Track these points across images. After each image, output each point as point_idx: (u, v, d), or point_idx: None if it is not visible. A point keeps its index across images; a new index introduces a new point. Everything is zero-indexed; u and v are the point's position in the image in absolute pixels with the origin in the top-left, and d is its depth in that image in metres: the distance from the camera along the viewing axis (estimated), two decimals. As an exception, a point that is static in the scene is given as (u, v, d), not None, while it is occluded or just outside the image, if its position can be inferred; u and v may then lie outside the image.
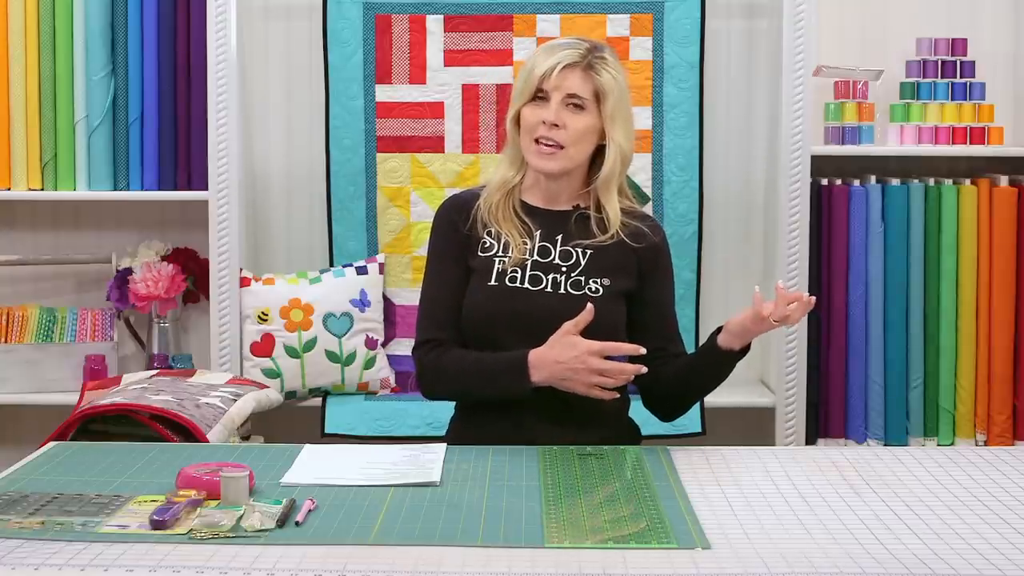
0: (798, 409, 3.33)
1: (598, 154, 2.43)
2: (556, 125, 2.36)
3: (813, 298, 2.24)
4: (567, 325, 2.27)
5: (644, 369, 2.26)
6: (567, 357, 2.26)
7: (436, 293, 2.46)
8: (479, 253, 2.43)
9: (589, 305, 2.27)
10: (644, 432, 2.58)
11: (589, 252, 2.41)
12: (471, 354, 2.40)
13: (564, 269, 2.40)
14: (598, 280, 2.39)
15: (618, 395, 2.29)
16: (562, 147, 2.37)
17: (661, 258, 2.47)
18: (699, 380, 2.44)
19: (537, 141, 2.38)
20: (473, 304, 2.40)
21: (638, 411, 2.54)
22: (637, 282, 2.43)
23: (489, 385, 2.36)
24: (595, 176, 2.43)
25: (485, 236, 2.43)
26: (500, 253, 2.41)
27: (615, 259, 2.41)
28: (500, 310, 2.37)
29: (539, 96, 2.39)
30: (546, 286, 2.39)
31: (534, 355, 2.30)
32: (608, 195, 2.43)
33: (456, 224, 2.46)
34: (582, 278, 2.39)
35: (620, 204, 2.45)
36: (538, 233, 2.43)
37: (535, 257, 2.41)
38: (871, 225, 3.34)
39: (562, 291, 2.38)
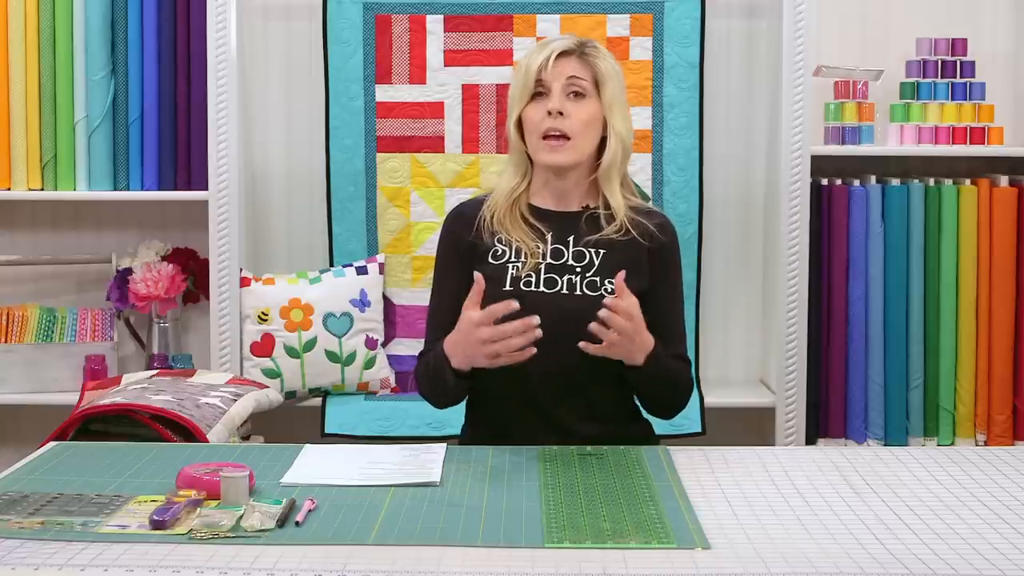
0: (798, 409, 3.33)
1: (601, 149, 2.43)
2: (561, 113, 2.35)
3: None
4: (466, 303, 2.21)
5: (535, 319, 2.14)
6: (460, 336, 2.22)
7: (437, 304, 2.47)
8: (490, 260, 2.40)
9: (510, 302, 2.17)
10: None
11: (603, 252, 2.40)
12: (429, 358, 2.38)
13: (579, 270, 2.39)
14: (613, 280, 2.37)
15: (535, 350, 2.17)
16: (569, 138, 2.36)
17: (666, 256, 2.44)
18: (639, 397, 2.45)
19: (544, 137, 2.37)
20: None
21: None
22: (648, 282, 2.42)
23: (436, 383, 2.34)
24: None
25: (495, 244, 2.41)
26: (513, 259, 2.40)
27: (628, 259, 2.39)
28: (517, 315, 2.35)
29: (539, 92, 2.38)
30: (562, 288, 2.37)
31: (445, 342, 2.27)
32: (610, 186, 2.42)
33: (459, 235, 2.45)
34: (597, 278, 2.37)
35: (628, 201, 2.45)
36: (550, 235, 2.42)
37: (548, 260, 2.40)
38: (871, 225, 3.34)
39: (578, 292, 2.37)
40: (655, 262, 2.42)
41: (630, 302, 2.18)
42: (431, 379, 2.37)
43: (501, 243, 2.42)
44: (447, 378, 2.28)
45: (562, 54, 2.38)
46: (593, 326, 2.17)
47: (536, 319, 2.14)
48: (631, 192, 2.48)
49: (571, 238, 2.41)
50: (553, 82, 2.37)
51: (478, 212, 2.45)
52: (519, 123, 2.41)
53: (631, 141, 2.45)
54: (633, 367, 2.27)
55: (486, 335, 2.16)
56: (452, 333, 2.25)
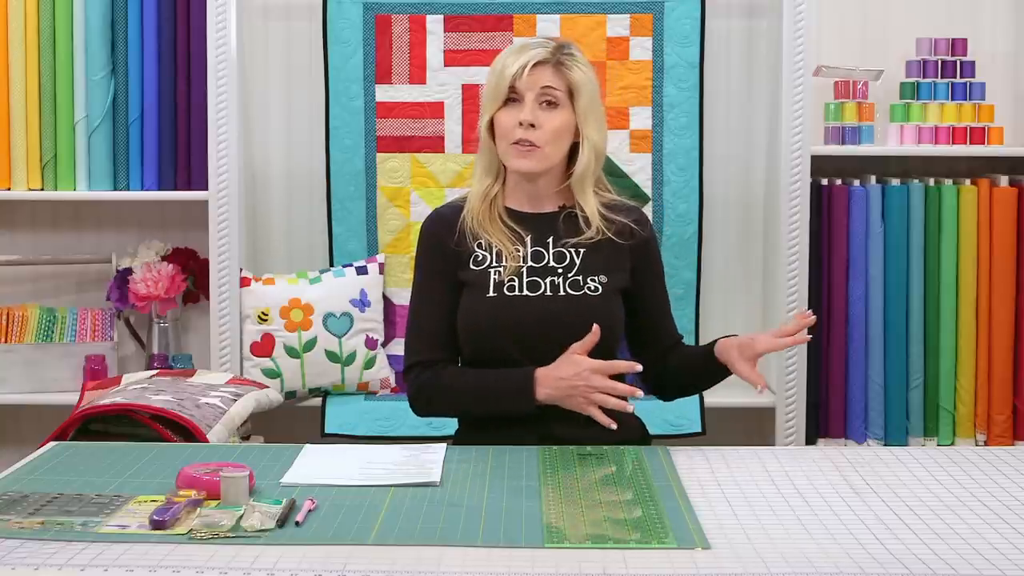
0: (798, 409, 3.33)
1: (573, 151, 2.43)
2: (532, 125, 2.35)
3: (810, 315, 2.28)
4: (574, 346, 2.27)
5: (639, 393, 2.27)
6: (569, 374, 2.26)
7: (426, 312, 2.44)
8: (471, 266, 2.40)
9: (596, 327, 2.26)
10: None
11: (582, 251, 2.41)
12: (470, 372, 2.40)
13: (560, 271, 2.39)
14: (595, 278, 2.38)
15: (615, 426, 2.26)
16: (539, 147, 2.36)
17: (651, 252, 2.47)
18: (697, 382, 2.49)
19: (515, 143, 2.37)
20: (474, 317, 2.38)
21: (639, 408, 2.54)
22: (632, 279, 2.43)
23: (492, 404, 2.35)
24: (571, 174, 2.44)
25: (476, 249, 2.41)
26: (494, 263, 2.40)
27: (608, 257, 2.41)
28: (502, 320, 2.35)
29: (512, 99, 2.38)
30: (545, 290, 2.38)
31: (540, 372, 2.29)
32: (584, 193, 2.42)
33: (442, 240, 2.43)
34: (580, 277, 2.38)
35: (602, 198, 2.45)
36: (529, 238, 2.42)
37: (530, 263, 2.40)
38: (871, 225, 3.34)
39: (562, 293, 2.37)
40: (641, 259, 2.45)
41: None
42: (486, 396, 2.35)
43: (481, 248, 2.41)
44: (519, 406, 2.30)
45: (537, 63, 2.37)
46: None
47: (635, 402, 2.26)
48: (605, 187, 2.48)
49: (550, 239, 2.42)
50: (527, 91, 2.37)
51: (458, 217, 2.44)
52: (490, 125, 2.41)
53: (604, 147, 2.46)
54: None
55: (599, 384, 2.24)
56: (551, 367, 2.28)
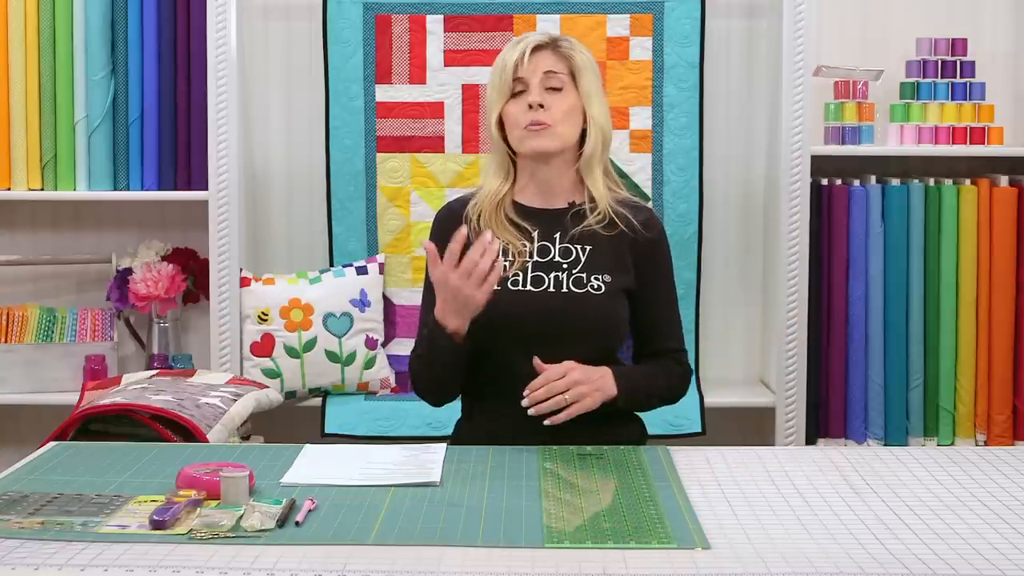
0: (798, 409, 3.33)
1: (583, 141, 2.44)
2: (541, 105, 2.37)
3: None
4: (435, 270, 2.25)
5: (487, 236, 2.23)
6: (444, 296, 2.25)
7: (430, 304, 2.43)
8: None
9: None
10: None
11: (589, 248, 2.41)
12: (423, 343, 2.40)
13: (565, 267, 2.40)
14: (599, 276, 2.38)
15: (502, 261, 2.25)
16: (551, 125, 2.38)
17: (657, 254, 2.46)
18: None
19: (527, 127, 2.38)
20: None
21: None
22: (636, 279, 2.43)
23: (434, 359, 2.34)
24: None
25: None
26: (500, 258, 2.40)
27: (614, 256, 2.41)
28: (505, 315, 2.35)
29: (518, 91, 2.40)
30: (549, 286, 2.38)
31: (435, 313, 2.30)
32: (592, 176, 2.43)
33: (450, 234, 2.44)
34: (584, 275, 2.39)
35: (615, 194, 2.46)
36: (536, 233, 2.43)
37: (536, 258, 2.41)
38: (871, 225, 3.34)
39: (565, 289, 2.38)
40: (643, 259, 2.44)
41: (555, 371, 2.24)
42: (428, 363, 2.36)
43: None
44: (443, 344, 2.29)
45: (537, 48, 2.40)
46: (532, 410, 2.23)
47: (488, 234, 2.21)
48: (616, 184, 2.49)
49: (557, 235, 2.43)
50: (531, 77, 2.39)
51: (465, 211, 2.47)
52: (499, 122, 2.42)
53: (610, 130, 2.48)
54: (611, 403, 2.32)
55: (458, 275, 2.21)
56: (436, 304, 2.28)
